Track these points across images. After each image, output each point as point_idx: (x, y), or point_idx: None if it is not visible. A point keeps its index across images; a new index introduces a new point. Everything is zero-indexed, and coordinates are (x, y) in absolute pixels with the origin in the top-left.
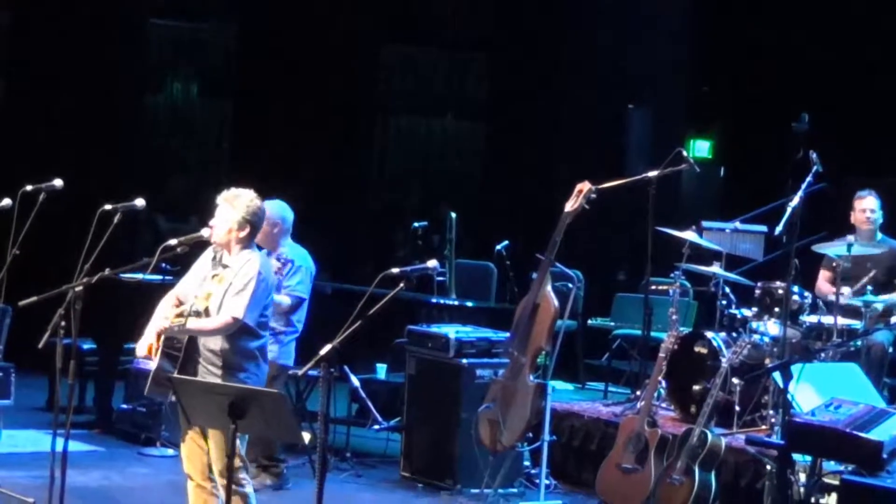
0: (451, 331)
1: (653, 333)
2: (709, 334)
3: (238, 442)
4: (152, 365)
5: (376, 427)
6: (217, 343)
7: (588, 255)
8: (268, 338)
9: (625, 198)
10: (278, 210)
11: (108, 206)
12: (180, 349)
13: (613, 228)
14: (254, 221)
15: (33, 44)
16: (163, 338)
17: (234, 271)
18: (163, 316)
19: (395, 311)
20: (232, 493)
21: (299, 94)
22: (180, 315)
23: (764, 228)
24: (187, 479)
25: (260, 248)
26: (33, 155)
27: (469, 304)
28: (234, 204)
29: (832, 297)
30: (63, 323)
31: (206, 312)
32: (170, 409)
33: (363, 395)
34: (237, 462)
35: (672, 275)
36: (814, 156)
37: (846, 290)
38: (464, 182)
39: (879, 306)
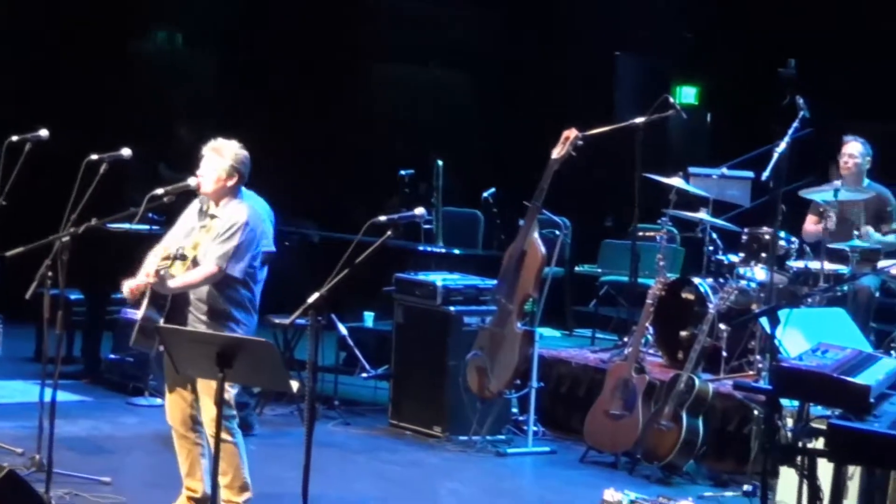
0: (439, 278)
1: (640, 280)
2: (696, 280)
3: (230, 391)
4: (139, 314)
5: (364, 375)
6: (205, 291)
7: (575, 201)
8: (259, 288)
9: (612, 144)
10: None
11: (94, 157)
12: (167, 297)
13: (600, 175)
14: (241, 170)
15: None
16: (149, 287)
17: (222, 221)
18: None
19: (382, 260)
20: (222, 441)
21: (286, 44)
22: (167, 258)
23: (751, 174)
24: (172, 429)
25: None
26: (17, 104)
27: (456, 251)
28: (220, 153)
29: (819, 238)
30: (50, 273)
31: (195, 262)
32: (155, 360)
33: (351, 343)
34: (226, 412)
35: (659, 221)
36: (800, 101)
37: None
38: (451, 130)
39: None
